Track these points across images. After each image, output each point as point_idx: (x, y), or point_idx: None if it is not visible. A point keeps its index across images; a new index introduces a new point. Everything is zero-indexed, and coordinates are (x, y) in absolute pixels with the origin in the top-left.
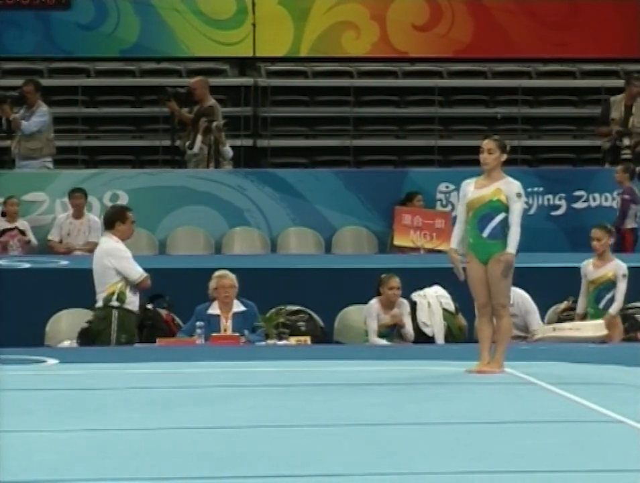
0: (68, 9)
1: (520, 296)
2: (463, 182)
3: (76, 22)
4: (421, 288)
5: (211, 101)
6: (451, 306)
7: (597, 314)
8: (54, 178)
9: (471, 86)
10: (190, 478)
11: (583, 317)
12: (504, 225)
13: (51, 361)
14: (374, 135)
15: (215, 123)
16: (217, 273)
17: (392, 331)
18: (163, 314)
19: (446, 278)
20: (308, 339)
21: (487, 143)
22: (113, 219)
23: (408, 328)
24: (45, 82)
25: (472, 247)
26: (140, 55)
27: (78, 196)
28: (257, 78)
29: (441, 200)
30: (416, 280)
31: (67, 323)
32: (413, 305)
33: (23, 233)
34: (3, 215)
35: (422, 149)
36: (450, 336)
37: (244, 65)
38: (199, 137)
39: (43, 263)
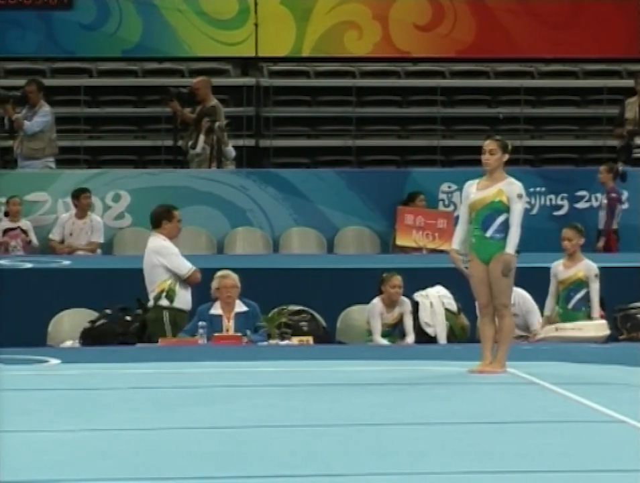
0: (71, 9)
1: (521, 296)
2: (466, 183)
3: (79, 22)
4: (423, 288)
5: (213, 101)
6: (453, 306)
7: (566, 315)
8: (56, 178)
9: (473, 86)
10: (192, 478)
11: (551, 320)
12: (506, 225)
13: (54, 361)
14: (377, 135)
15: (217, 123)
16: (219, 273)
17: (394, 330)
18: None
19: (448, 278)
20: (310, 339)
21: (489, 144)
22: (160, 218)
23: (409, 327)
24: (48, 82)
25: (474, 247)
26: (142, 55)
27: (87, 196)
28: (259, 78)
29: (443, 200)
30: (418, 280)
31: (69, 323)
32: (415, 305)
33: (25, 232)
34: (6, 214)
35: (425, 149)
36: (452, 336)
37: (246, 65)
38: (202, 137)
39: (45, 263)
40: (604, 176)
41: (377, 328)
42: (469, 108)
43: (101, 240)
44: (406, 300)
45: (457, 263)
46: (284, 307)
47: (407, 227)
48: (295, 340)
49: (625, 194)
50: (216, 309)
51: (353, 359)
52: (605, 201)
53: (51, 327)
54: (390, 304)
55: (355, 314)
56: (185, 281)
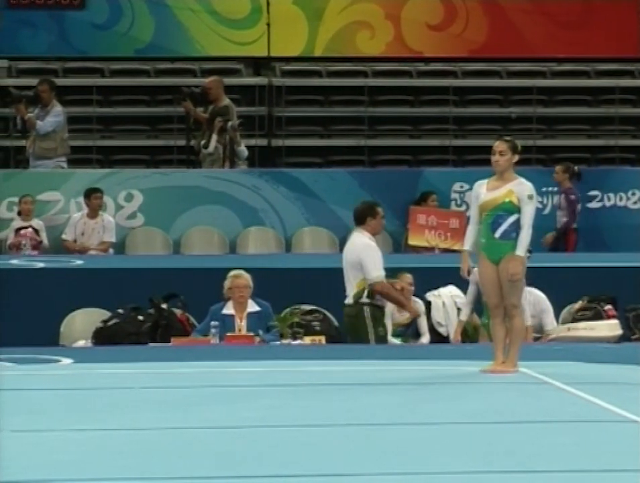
0: (83, 9)
1: (535, 296)
2: (476, 183)
3: (91, 22)
4: (436, 288)
5: (226, 101)
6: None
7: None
8: (68, 178)
9: (485, 86)
10: (204, 478)
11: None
12: (517, 226)
13: (66, 361)
14: (389, 135)
15: (230, 123)
16: (231, 273)
17: (406, 330)
18: (177, 314)
19: (460, 277)
20: (322, 338)
21: (498, 145)
22: (364, 215)
23: (424, 327)
24: (60, 81)
25: (484, 247)
26: (155, 55)
27: (98, 196)
28: (271, 78)
29: (455, 199)
30: (430, 279)
31: (81, 323)
32: (428, 305)
33: (37, 232)
34: (19, 214)
35: (437, 149)
36: (465, 336)
37: (259, 65)
38: (214, 137)
39: (57, 262)
40: (559, 176)
41: (388, 328)
42: (482, 108)
43: (113, 240)
44: (419, 300)
45: (464, 265)
46: (297, 307)
47: (419, 227)
48: (307, 340)
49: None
50: (228, 309)
51: (365, 359)
52: (563, 201)
53: (64, 326)
54: None
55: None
56: (369, 286)
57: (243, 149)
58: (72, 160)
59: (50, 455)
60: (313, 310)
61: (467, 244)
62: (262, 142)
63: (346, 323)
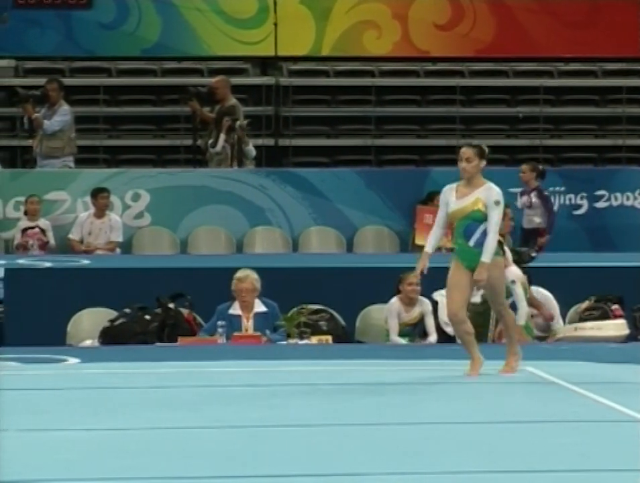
0: (90, 8)
1: (543, 296)
2: (445, 188)
3: (98, 21)
4: (442, 288)
5: (232, 100)
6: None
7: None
8: (75, 177)
9: (492, 86)
10: (209, 477)
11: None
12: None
13: (73, 361)
14: (396, 135)
15: (238, 122)
16: (237, 273)
17: (413, 330)
18: (184, 314)
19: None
20: (329, 338)
21: (465, 152)
22: None
23: (431, 327)
24: (67, 81)
25: (458, 253)
26: (161, 54)
27: (104, 196)
28: (278, 78)
29: None
30: (437, 279)
31: (88, 323)
32: (435, 304)
33: (43, 232)
34: (25, 213)
35: (444, 149)
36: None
37: (266, 64)
38: (222, 136)
39: (64, 262)
40: (527, 175)
41: (394, 327)
42: (489, 107)
43: (120, 239)
44: (426, 300)
45: (421, 264)
46: (303, 306)
47: (426, 226)
48: (314, 339)
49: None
50: (235, 309)
51: (372, 358)
52: (536, 200)
53: (71, 326)
54: (409, 303)
55: (375, 313)
56: None
57: (251, 149)
58: (79, 160)
59: (56, 455)
60: (320, 309)
61: (430, 246)
62: (269, 142)
63: (471, 320)
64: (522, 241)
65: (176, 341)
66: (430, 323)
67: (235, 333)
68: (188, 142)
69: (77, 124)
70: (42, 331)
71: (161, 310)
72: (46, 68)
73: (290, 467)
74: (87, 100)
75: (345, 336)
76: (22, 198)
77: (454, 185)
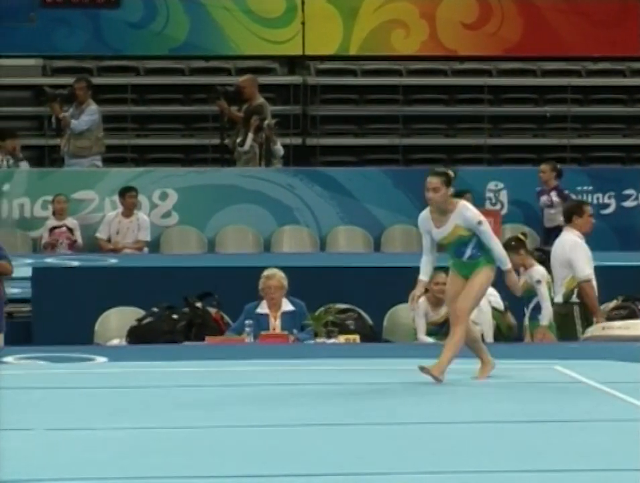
0: (118, 8)
1: None
2: (420, 218)
3: (126, 20)
4: None
5: (260, 99)
6: (500, 304)
7: (528, 324)
8: (103, 177)
9: (520, 85)
10: (238, 477)
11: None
12: (480, 245)
13: (100, 360)
14: (423, 134)
15: (266, 122)
16: (264, 273)
17: (440, 329)
18: (212, 313)
19: (495, 276)
20: (357, 337)
21: (430, 181)
22: (571, 213)
23: None
24: (95, 80)
25: (454, 266)
26: (189, 53)
27: (131, 196)
28: (306, 77)
29: (490, 198)
30: None
31: (116, 322)
32: None
33: (71, 231)
34: (53, 213)
35: (472, 148)
36: (499, 335)
37: (293, 63)
38: (250, 135)
39: (92, 261)
40: (547, 175)
41: (422, 327)
42: (516, 106)
43: (148, 238)
44: None
45: (416, 292)
46: (331, 305)
47: None
48: (342, 338)
49: None
50: (262, 308)
51: (399, 357)
52: (556, 199)
53: (98, 325)
54: (436, 302)
55: (402, 312)
56: (578, 284)
57: (279, 148)
58: (107, 159)
59: (83, 454)
60: (347, 309)
61: (424, 274)
62: (297, 141)
63: (556, 321)
64: (543, 240)
65: (203, 340)
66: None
67: (263, 332)
68: (216, 141)
69: (105, 123)
70: (70, 330)
71: (188, 309)
72: (74, 67)
73: (317, 466)
74: (115, 100)
75: (372, 335)
76: (49, 198)
77: (427, 213)
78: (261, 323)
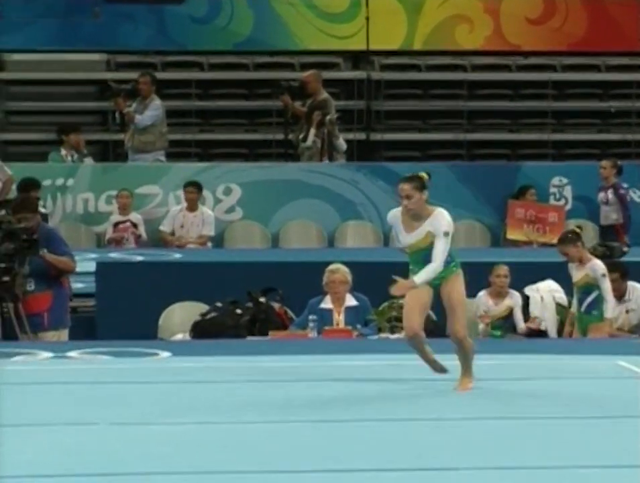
0: (182, 3)
1: (637, 290)
2: (391, 213)
3: (190, 15)
4: (534, 282)
5: (324, 94)
6: (564, 300)
7: (580, 318)
8: (167, 171)
9: (585, 80)
10: (304, 472)
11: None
12: (449, 256)
13: (164, 354)
14: (487, 129)
15: (328, 117)
16: (329, 267)
17: (505, 323)
18: (276, 308)
19: (559, 272)
20: None
21: (403, 188)
22: None
23: (519, 320)
24: (159, 75)
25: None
26: (253, 48)
27: (190, 191)
28: (370, 72)
29: (554, 194)
30: (529, 274)
31: (180, 316)
32: (526, 299)
33: (135, 226)
34: (118, 208)
35: (536, 143)
36: (563, 330)
37: (357, 58)
38: (312, 131)
39: (156, 256)
40: (607, 171)
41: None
42: (581, 102)
43: (212, 233)
44: (516, 293)
45: (401, 289)
46: (394, 301)
47: (518, 221)
48: None
49: None
50: (326, 303)
51: None
52: (611, 197)
53: (162, 320)
54: (497, 295)
55: (467, 307)
56: None
57: (341, 143)
58: (171, 154)
59: (148, 449)
60: None
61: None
62: (361, 136)
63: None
64: (599, 237)
65: (267, 335)
66: (519, 317)
67: (326, 327)
68: (280, 136)
69: (169, 118)
70: (134, 324)
71: (252, 304)
72: (138, 62)
73: (384, 461)
74: (179, 95)
75: (436, 330)
76: (113, 193)
77: (398, 212)
78: (325, 318)
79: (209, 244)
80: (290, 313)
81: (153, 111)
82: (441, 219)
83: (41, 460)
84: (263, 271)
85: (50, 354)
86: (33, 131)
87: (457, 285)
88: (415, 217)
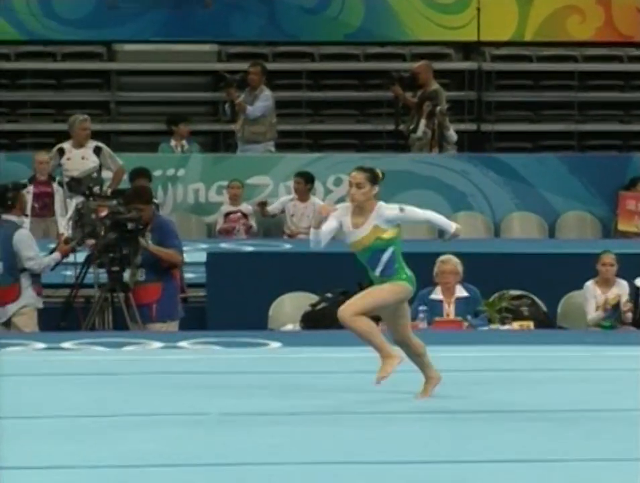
0: None
1: None
2: (341, 206)
3: (301, 6)
4: None
5: (435, 85)
6: None
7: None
8: (277, 162)
9: None
10: (419, 463)
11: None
12: (394, 259)
13: (275, 345)
14: (599, 120)
15: (438, 108)
16: (440, 258)
17: (613, 314)
18: None
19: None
20: (531, 324)
21: (355, 176)
22: None
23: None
24: (270, 66)
25: (371, 281)
26: (364, 39)
27: (298, 181)
28: (481, 63)
29: None
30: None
31: (290, 307)
32: (636, 291)
33: (246, 216)
34: (229, 199)
35: None
36: None
37: (468, 49)
38: (423, 121)
39: (266, 246)
40: None
41: (590, 310)
42: None
43: None
44: (624, 282)
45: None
46: (505, 292)
47: (629, 213)
48: (516, 325)
49: None
50: (436, 294)
51: (572, 344)
52: None
53: (272, 310)
54: (604, 284)
55: (576, 299)
56: None
57: (452, 134)
58: (281, 144)
59: (259, 439)
60: (522, 295)
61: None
62: (471, 127)
63: None
64: None
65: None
66: (627, 306)
67: (437, 318)
68: (391, 127)
69: (279, 109)
70: (244, 315)
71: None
72: (249, 52)
73: (494, 453)
74: (290, 85)
75: (546, 322)
76: (224, 183)
77: (346, 205)
78: (435, 308)
79: None
80: None
81: (263, 101)
82: (385, 209)
83: (158, 450)
84: None
85: (160, 344)
86: (143, 121)
87: (388, 286)
88: (360, 210)
